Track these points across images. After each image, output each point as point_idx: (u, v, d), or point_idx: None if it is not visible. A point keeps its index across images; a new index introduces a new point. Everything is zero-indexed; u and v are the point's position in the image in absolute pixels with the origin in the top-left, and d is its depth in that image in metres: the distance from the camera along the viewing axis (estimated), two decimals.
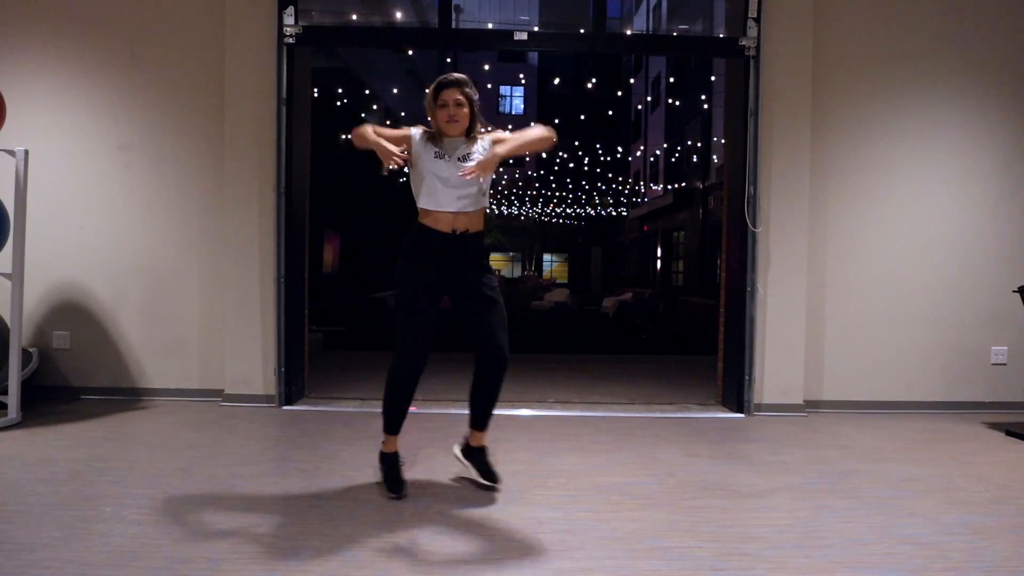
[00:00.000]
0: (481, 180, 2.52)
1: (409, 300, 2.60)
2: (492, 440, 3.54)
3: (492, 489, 2.68)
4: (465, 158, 2.58)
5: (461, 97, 2.57)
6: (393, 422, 2.70)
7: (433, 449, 3.40)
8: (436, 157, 2.57)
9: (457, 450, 2.86)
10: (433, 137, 2.63)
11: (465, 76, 2.61)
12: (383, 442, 2.75)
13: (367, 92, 17.75)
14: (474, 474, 2.72)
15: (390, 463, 2.72)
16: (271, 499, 2.64)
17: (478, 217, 2.65)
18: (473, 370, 2.71)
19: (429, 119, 2.64)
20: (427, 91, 2.62)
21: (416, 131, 2.66)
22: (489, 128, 2.72)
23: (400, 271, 2.63)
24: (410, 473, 3.00)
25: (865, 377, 4.43)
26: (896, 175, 4.42)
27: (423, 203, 2.58)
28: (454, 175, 2.55)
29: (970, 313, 4.45)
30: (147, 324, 4.44)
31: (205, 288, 4.41)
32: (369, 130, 2.56)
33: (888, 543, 2.30)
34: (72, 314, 4.43)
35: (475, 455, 2.77)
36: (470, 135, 2.63)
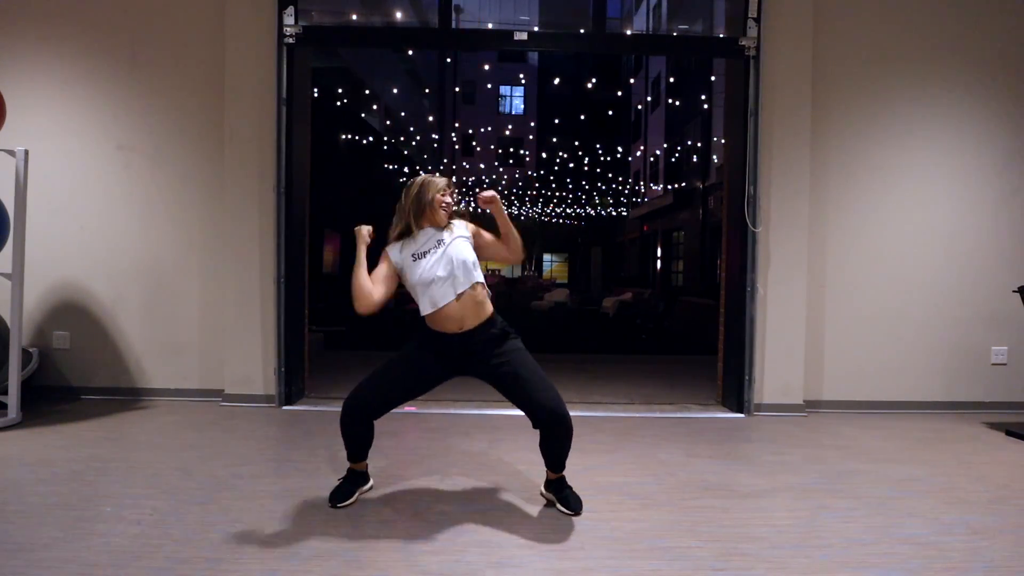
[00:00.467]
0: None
1: (396, 362, 2.58)
2: (492, 440, 3.56)
3: (572, 515, 2.54)
4: (440, 243, 2.52)
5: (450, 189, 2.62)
6: (348, 452, 2.65)
7: (433, 449, 3.40)
8: (415, 260, 2.51)
9: (542, 487, 2.72)
10: (404, 239, 2.58)
11: None
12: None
13: (367, 92, 17.75)
14: (557, 504, 2.61)
15: (347, 475, 2.68)
16: (271, 499, 2.64)
17: (479, 302, 2.51)
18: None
19: (412, 214, 2.56)
20: (412, 192, 2.58)
21: (389, 249, 2.60)
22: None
23: (413, 343, 2.59)
24: (410, 473, 3.00)
25: (865, 377, 4.43)
26: (896, 175, 4.43)
27: (424, 311, 2.51)
28: (433, 262, 2.49)
29: (970, 313, 4.45)
30: (147, 324, 4.44)
31: (205, 288, 4.41)
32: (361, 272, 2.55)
33: (888, 543, 2.30)
34: (72, 314, 4.43)
35: (552, 486, 2.66)
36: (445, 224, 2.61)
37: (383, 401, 2.56)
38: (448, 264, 2.48)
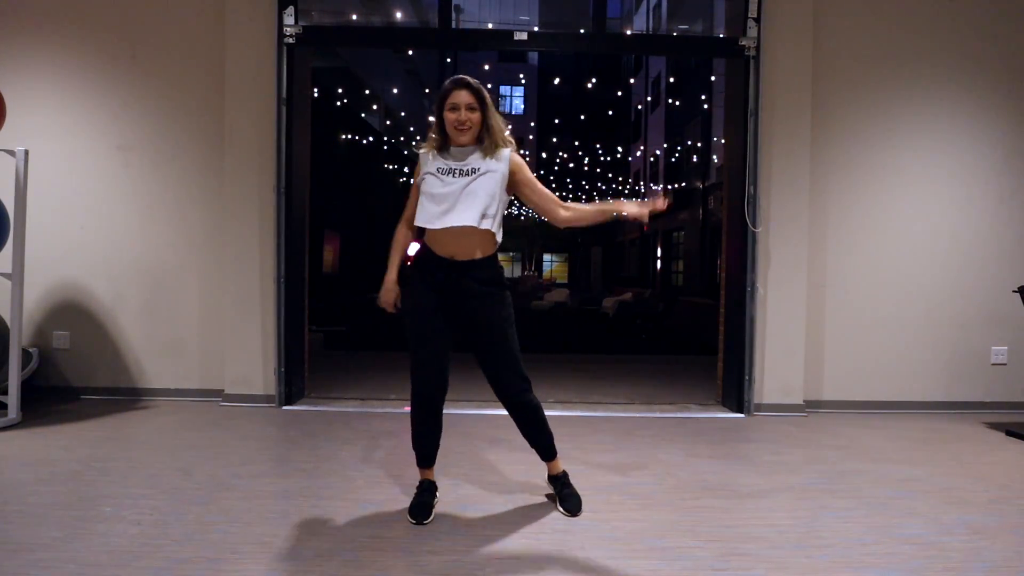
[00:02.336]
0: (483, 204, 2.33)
1: (411, 328, 2.44)
2: (492, 440, 3.56)
3: (569, 515, 2.52)
4: (471, 171, 2.37)
5: (473, 100, 2.37)
6: (419, 455, 2.55)
7: None
8: (438, 174, 2.40)
9: (546, 476, 2.71)
10: (440, 150, 2.46)
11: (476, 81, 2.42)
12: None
13: (367, 92, 17.75)
14: (556, 503, 2.61)
15: (419, 489, 2.55)
16: (271, 499, 2.64)
17: (477, 242, 2.39)
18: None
19: (437, 128, 2.45)
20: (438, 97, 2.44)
21: (424, 152, 2.49)
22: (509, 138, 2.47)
23: (404, 297, 2.48)
24: (410, 473, 2.99)
25: (865, 377, 4.43)
26: (896, 175, 4.42)
27: (417, 221, 2.43)
28: (447, 189, 2.37)
29: (970, 313, 4.45)
30: (147, 324, 4.43)
31: (205, 288, 4.41)
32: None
33: (888, 543, 2.30)
34: (72, 314, 4.43)
35: (554, 481, 2.66)
36: (482, 145, 2.42)
37: (435, 367, 2.41)
38: (467, 199, 2.35)
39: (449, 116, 2.38)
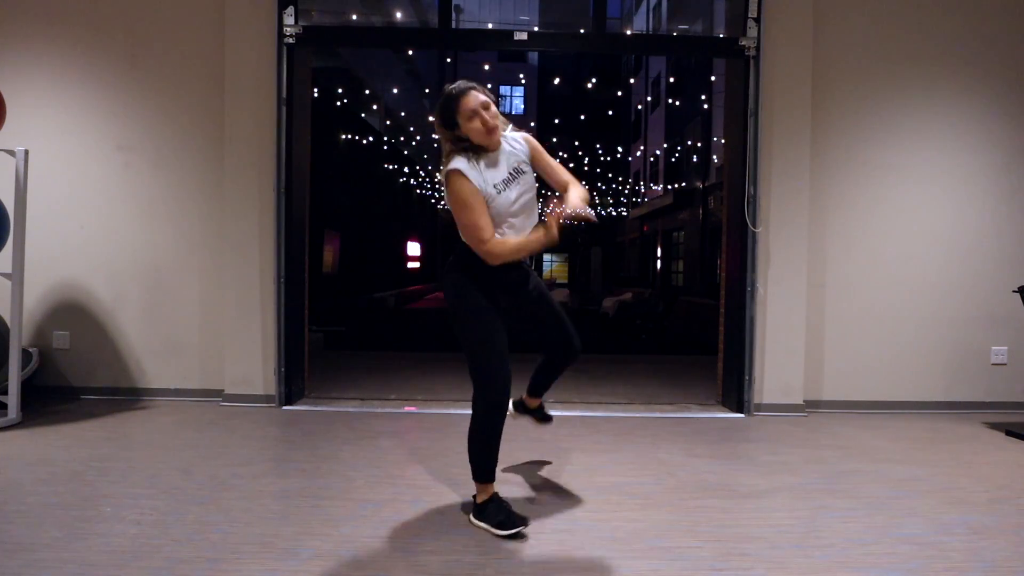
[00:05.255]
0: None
1: (482, 330, 2.36)
2: None
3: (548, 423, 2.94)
4: (518, 170, 2.36)
5: (486, 98, 2.26)
6: (494, 464, 2.41)
7: (433, 449, 3.40)
8: (498, 192, 2.28)
9: (512, 408, 2.84)
10: (473, 159, 2.27)
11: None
12: (477, 494, 2.43)
13: (367, 92, 17.76)
14: (527, 420, 2.90)
15: (496, 501, 2.39)
16: (271, 499, 2.64)
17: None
18: (545, 355, 2.73)
19: (451, 142, 2.30)
20: (440, 112, 2.29)
21: (466, 170, 2.23)
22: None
23: (470, 288, 2.38)
24: (410, 473, 3.00)
25: (865, 377, 4.43)
26: (896, 175, 4.42)
27: (508, 236, 2.36)
28: (522, 199, 2.36)
29: (970, 313, 4.45)
30: (147, 324, 4.43)
31: (205, 288, 4.41)
32: (512, 242, 2.31)
33: (888, 543, 2.30)
34: (72, 314, 4.43)
35: (534, 411, 2.90)
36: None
37: (506, 367, 2.35)
38: (529, 200, 2.39)
39: (473, 125, 2.23)
